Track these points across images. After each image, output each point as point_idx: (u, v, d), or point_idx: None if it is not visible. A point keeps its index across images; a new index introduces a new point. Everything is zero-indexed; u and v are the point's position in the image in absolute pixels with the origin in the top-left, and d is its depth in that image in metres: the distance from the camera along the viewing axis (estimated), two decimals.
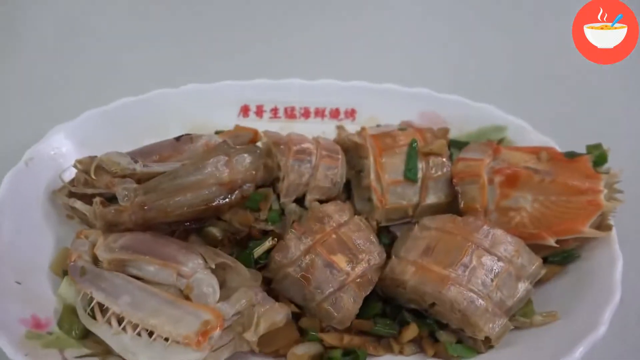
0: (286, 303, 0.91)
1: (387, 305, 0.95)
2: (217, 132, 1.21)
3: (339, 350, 0.86)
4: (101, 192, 0.97)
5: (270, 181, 1.08)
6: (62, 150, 1.10)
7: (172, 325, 0.80)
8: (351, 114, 1.26)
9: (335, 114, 1.26)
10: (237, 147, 1.05)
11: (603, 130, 1.28)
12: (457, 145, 1.20)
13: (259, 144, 1.16)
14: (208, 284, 0.85)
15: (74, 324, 0.87)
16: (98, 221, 0.95)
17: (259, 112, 1.25)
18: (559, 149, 1.11)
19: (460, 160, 1.06)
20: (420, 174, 1.04)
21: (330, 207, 0.96)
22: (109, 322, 0.84)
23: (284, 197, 1.04)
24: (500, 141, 1.19)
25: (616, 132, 1.33)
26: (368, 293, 0.90)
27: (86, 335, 0.87)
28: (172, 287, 0.87)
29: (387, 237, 1.05)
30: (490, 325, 0.85)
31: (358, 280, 0.89)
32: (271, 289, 0.94)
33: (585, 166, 1.02)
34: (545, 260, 0.98)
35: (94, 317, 0.86)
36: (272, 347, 0.87)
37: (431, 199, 1.04)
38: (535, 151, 1.08)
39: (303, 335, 0.89)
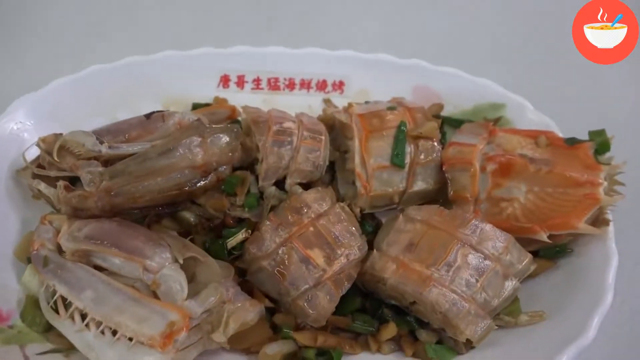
0: (260, 297, 0.87)
1: (366, 300, 0.90)
2: (194, 106, 1.13)
3: (313, 350, 0.82)
4: (66, 175, 0.91)
5: (249, 162, 1.02)
6: (27, 125, 1.03)
7: (136, 325, 0.76)
8: (339, 86, 1.17)
9: (322, 85, 1.17)
10: (213, 126, 0.98)
11: (609, 114, 1.19)
12: (450, 123, 1.13)
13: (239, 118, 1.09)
14: (175, 281, 0.80)
15: (37, 317, 0.84)
16: (62, 206, 0.90)
17: (240, 82, 1.16)
18: (559, 131, 1.04)
19: (451, 145, 0.99)
20: (408, 159, 0.97)
21: (309, 196, 0.90)
22: (72, 318, 0.80)
23: (263, 181, 0.98)
24: (497, 120, 1.11)
25: (623, 117, 1.23)
26: (345, 292, 0.85)
27: (50, 328, 0.83)
28: (138, 281, 0.82)
29: (371, 224, 1.00)
30: (473, 328, 0.81)
31: (335, 277, 0.84)
32: (245, 280, 0.89)
33: (586, 154, 0.95)
34: (535, 254, 0.93)
35: (57, 311, 0.82)
36: (244, 344, 0.83)
37: (419, 185, 0.97)
38: (534, 135, 1.00)
39: (277, 331, 0.85)
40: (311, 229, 0.87)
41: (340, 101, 1.16)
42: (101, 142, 0.92)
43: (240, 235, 0.87)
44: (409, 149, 0.97)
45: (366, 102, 1.07)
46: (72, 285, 0.81)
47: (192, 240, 0.96)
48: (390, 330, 0.85)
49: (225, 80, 1.16)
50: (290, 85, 1.17)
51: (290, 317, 0.86)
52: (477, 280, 0.83)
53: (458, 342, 0.84)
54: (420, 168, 0.97)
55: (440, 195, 0.99)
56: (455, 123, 1.12)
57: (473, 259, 0.84)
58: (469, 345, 0.84)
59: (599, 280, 0.86)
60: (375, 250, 0.89)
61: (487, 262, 0.84)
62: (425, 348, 0.84)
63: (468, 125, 1.04)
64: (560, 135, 1.03)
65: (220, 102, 1.14)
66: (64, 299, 0.81)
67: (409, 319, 0.87)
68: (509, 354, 0.83)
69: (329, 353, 0.82)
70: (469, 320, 0.81)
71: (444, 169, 0.97)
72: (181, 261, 0.82)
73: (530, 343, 0.84)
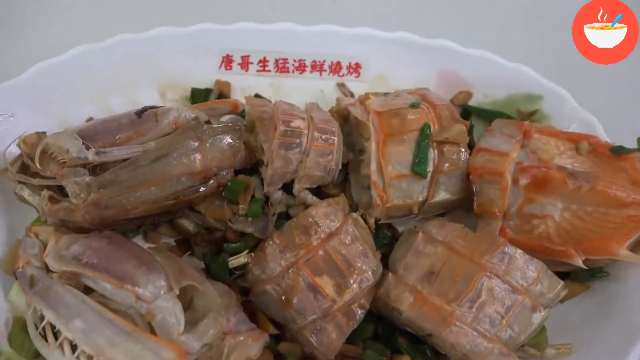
0: (264, 321, 0.81)
1: (379, 324, 0.84)
2: (193, 92, 1.02)
3: None
4: (50, 184, 0.83)
5: (254, 162, 0.92)
6: (7, 116, 0.93)
7: None
8: (355, 69, 1.04)
9: (336, 68, 1.04)
10: (212, 125, 0.88)
11: None
12: (479, 114, 1.01)
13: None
14: (171, 313, 0.73)
15: (26, 342, 0.78)
16: (48, 218, 0.82)
17: (244, 63, 1.04)
18: (604, 133, 0.92)
19: (480, 152, 0.87)
20: (431, 167, 0.86)
21: (319, 211, 0.81)
22: (61, 348, 0.74)
23: (268, 186, 0.88)
24: (532, 114, 0.99)
25: None
26: (356, 327, 0.78)
27: (39, 354, 0.78)
28: (132, 308, 0.76)
29: (387, 234, 0.92)
30: None
31: (346, 308, 0.77)
32: (249, 300, 0.83)
33: (634, 167, 0.84)
34: (567, 275, 0.85)
35: (45, 338, 0.76)
36: None
37: (441, 196, 0.87)
38: (575, 139, 0.89)
39: None
40: (320, 252, 0.78)
41: (356, 86, 1.04)
42: (87, 148, 0.82)
43: (242, 259, 0.79)
44: (433, 154, 0.87)
45: (385, 94, 0.95)
46: (61, 313, 0.75)
47: (191, 253, 0.90)
48: None
49: (227, 61, 1.03)
50: (301, 68, 1.04)
51: (297, 346, 0.79)
52: (502, 317, 0.75)
53: None
54: (444, 177, 0.87)
55: (464, 201, 0.90)
56: (484, 114, 1.01)
57: (499, 292, 0.76)
58: None
59: (635, 314, 0.78)
60: (390, 274, 0.81)
61: (514, 295, 0.76)
62: None
63: (500, 124, 0.92)
64: (605, 138, 0.91)
65: (222, 86, 1.02)
66: (52, 326, 0.76)
67: (425, 348, 0.80)
68: None
69: None
70: None
71: (470, 178, 0.87)
72: (177, 291, 0.74)
73: None
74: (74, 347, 0.74)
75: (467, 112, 1.02)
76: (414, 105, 0.89)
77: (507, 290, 0.76)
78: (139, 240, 0.91)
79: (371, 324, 0.83)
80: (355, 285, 0.78)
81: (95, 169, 0.84)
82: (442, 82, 1.03)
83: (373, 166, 0.86)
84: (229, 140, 0.87)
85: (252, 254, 0.79)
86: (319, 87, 1.04)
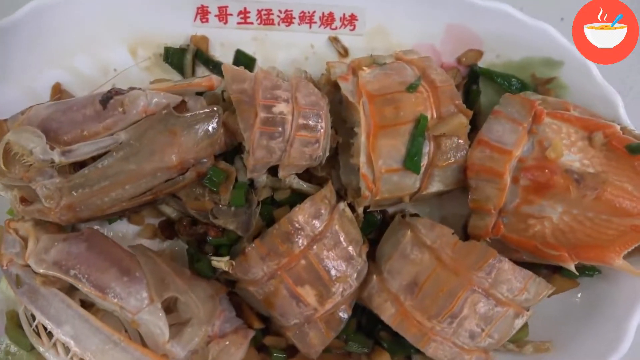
0: (250, 315, 0.83)
1: (363, 315, 0.85)
2: (166, 51, 0.91)
3: None
4: (19, 185, 0.78)
5: (236, 145, 0.85)
6: None
7: None
8: (350, 21, 0.90)
9: (328, 20, 0.90)
10: (185, 116, 0.80)
11: None
12: (489, 76, 0.90)
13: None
14: (155, 325, 0.75)
15: (21, 335, 0.81)
16: (24, 216, 0.80)
17: (222, 15, 0.90)
18: (624, 114, 0.82)
19: (481, 145, 0.79)
20: (425, 160, 0.79)
21: (302, 214, 0.77)
22: (55, 348, 0.78)
23: (251, 173, 0.83)
24: (550, 81, 0.87)
25: None
26: (337, 334, 0.79)
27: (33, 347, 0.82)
28: (118, 313, 0.77)
29: (377, 217, 0.88)
30: None
31: (327, 317, 0.78)
32: (234, 292, 0.83)
33: None
34: (557, 269, 0.83)
35: (39, 335, 0.79)
36: None
37: (435, 187, 0.82)
38: (589, 127, 0.79)
39: (268, 353, 0.83)
40: (302, 262, 0.76)
41: (351, 40, 0.91)
42: (52, 148, 0.76)
43: (224, 265, 0.78)
44: (428, 147, 0.79)
45: (382, 66, 0.84)
46: (50, 317, 0.77)
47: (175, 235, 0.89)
48: (384, 359, 0.81)
49: (203, 13, 0.90)
50: (287, 19, 0.90)
51: (281, 339, 0.82)
52: (482, 330, 0.75)
53: None
54: (439, 171, 0.80)
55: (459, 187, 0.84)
56: (495, 77, 0.89)
57: (482, 306, 0.75)
58: None
59: (620, 319, 0.78)
60: (375, 277, 0.80)
61: (498, 308, 0.75)
62: None
63: (508, 101, 0.82)
64: (626, 121, 0.81)
65: (198, 42, 0.91)
66: (44, 326, 0.78)
67: (405, 342, 0.82)
68: None
69: None
70: None
71: (467, 174, 0.80)
72: (159, 305, 0.75)
73: None
74: (67, 349, 0.77)
75: (475, 75, 0.90)
76: (411, 88, 0.79)
77: (491, 304, 0.75)
78: (123, 224, 0.89)
79: (354, 317, 0.84)
80: (337, 295, 0.77)
81: (65, 168, 0.79)
82: (450, 38, 0.89)
83: (362, 158, 0.80)
84: (206, 129, 0.80)
85: (233, 262, 0.77)
86: (308, 41, 0.92)
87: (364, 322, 0.85)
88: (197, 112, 0.80)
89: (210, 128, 0.80)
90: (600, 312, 0.81)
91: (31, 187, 0.77)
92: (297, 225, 0.77)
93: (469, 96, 0.90)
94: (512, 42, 0.87)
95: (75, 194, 0.76)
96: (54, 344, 0.78)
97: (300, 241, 0.77)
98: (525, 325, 0.82)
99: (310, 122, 0.80)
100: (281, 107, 0.80)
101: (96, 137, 0.78)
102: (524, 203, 0.78)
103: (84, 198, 0.77)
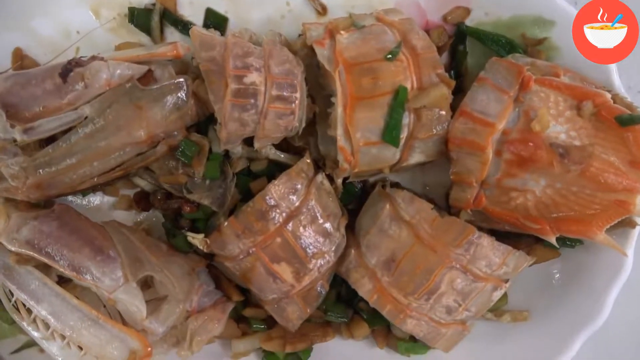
0: (229, 287, 0.82)
1: (343, 285, 0.85)
2: (131, 12, 0.85)
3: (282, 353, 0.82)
4: None
5: (207, 115, 0.81)
6: None
7: (99, 347, 0.75)
8: None
9: None
10: (150, 88, 0.75)
11: None
12: (476, 35, 0.85)
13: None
14: (131, 304, 0.75)
15: (1, 309, 0.82)
16: None
17: None
18: (618, 81, 0.78)
19: (463, 115, 0.75)
20: (405, 132, 0.76)
21: (277, 189, 0.75)
22: (35, 324, 0.78)
23: (225, 145, 0.80)
24: (540, 42, 0.82)
25: None
26: (315, 309, 0.79)
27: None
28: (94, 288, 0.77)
29: (357, 187, 0.86)
30: (447, 343, 0.78)
31: (304, 293, 0.77)
32: (213, 264, 0.83)
33: (637, 142, 0.73)
34: (539, 240, 0.82)
35: (19, 310, 0.79)
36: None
37: (415, 158, 0.79)
38: (579, 96, 0.75)
39: (248, 324, 0.83)
40: (278, 240, 0.75)
41: None
42: (12, 126, 0.72)
43: (198, 243, 0.76)
44: (408, 119, 0.75)
45: (361, 29, 0.78)
46: (28, 294, 0.77)
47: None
48: (363, 330, 0.83)
49: None
50: None
51: (261, 310, 0.82)
52: (460, 305, 0.75)
53: None
54: (420, 142, 0.77)
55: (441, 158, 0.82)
56: (483, 37, 0.84)
57: (460, 283, 0.74)
58: None
59: (599, 291, 0.78)
60: (353, 251, 0.79)
61: (475, 284, 0.75)
62: (398, 344, 0.82)
63: (494, 67, 0.77)
64: (620, 89, 0.77)
65: (165, 1, 0.84)
66: (23, 302, 0.78)
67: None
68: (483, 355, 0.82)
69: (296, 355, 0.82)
70: (445, 339, 0.77)
71: (448, 147, 0.77)
72: (134, 285, 0.74)
73: (508, 346, 0.82)
74: (46, 324, 0.78)
75: (462, 35, 0.85)
76: (390, 56, 0.74)
77: (469, 280, 0.74)
78: (97, 195, 0.87)
79: (334, 288, 0.84)
80: (314, 270, 0.77)
81: (29, 145, 0.75)
82: None
83: (339, 131, 0.76)
84: (174, 102, 0.76)
85: (208, 240, 0.76)
86: None
87: (344, 292, 0.85)
88: (164, 84, 0.76)
89: (178, 100, 0.76)
90: (579, 283, 0.80)
91: None
92: (272, 202, 0.75)
93: (455, 57, 0.85)
94: None
95: (41, 172, 0.74)
96: (34, 320, 0.78)
97: (276, 218, 0.75)
98: (504, 295, 0.82)
99: (284, 92, 0.76)
100: (253, 77, 0.75)
101: (59, 112, 0.75)
102: (507, 176, 0.76)
103: (51, 176, 0.75)
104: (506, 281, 0.77)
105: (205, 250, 0.76)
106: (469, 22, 0.84)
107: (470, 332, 0.80)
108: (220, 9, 0.85)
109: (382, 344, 0.84)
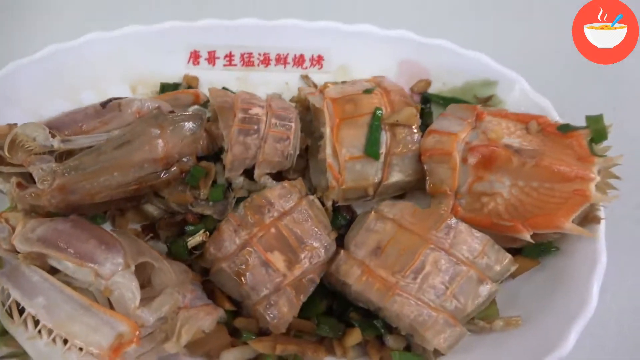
0: (222, 299, 0.84)
1: (334, 300, 0.86)
2: (162, 86, 1.06)
3: (273, 358, 0.79)
4: (19, 171, 0.87)
5: (216, 150, 0.95)
6: None
7: (86, 335, 0.74)
8: (318, 61, 1.08)
9: (299, 61, 1.08)
10: (174, 114, 0.92)
11: (613, 101, 1.05)
12: (438, 101, 1.04)
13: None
14: (127, 289, 0.76)
15: None
16: (18, 204, 0.87)
17: (211, 58, 1.08)
18: (556, 115, 0.94)
19: (431, 133, 0.90)
20: (383, 149, 0.89)
21: (273, 192, 0.84)
22: (25, 324, 0.78)
23: (229, 172, 0.92)
24: (488, 99, 1.02)
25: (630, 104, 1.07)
26: (306, 299, 0.81)
27: (7, 331, 0.81)
28: (92, 285, 0.79)
29: (345, 216, 0.94)
30: (441, 337, 0.76)
31: (296, 283, 0.80)
32: (208, 280, 0.86)
33: (580, 144, 0.86)
34: (518, 252, 0.87)
35: (11, 316, 0.80)
36: (203, 349, 0.80)
37: (395, 177, 0.90)
38: (525, 120, 0.91)
39: (239, 335, 0.82)
40: (272, 230, 0.81)
41: (319, 77, 1.08)
42: (53, 136, 0.87)
43: (199, 237, 0.83)
44: (385, 137, 0.90)
45: (343, 83, 0.99)
46: (25, 291, 0.79)
47: (155, 235, 0.93)
48: (355, 336, 0.81)
49: (195, 57, 1.08)
50: (265, 61, 1.08)
51: (252, 321, 0.82)
52: (447, 288, 0.77)
53: (427, 350, 0.79)
54: (397, 158, 0.90)
55: (420, 183, 0.92)
56: (443, 102, 1.03)
57: (444, 264, 0.78)
58: (438, 353, 0.79)
59: (582, 285, 0.80)
60: (342, 251, 0.83)
61: (459, 267, 0.78)
62: (391, 355, 0.80)
63: (453, 108, 0.95)
64: (557, 119, 0.93)
65: (190, 80, 1.07)
66: (17, 304, 0.79)
67: (376, 323, 0.82)
68: None
69: None
70: (437, 330, 0.76)
71: (422, 159, 0.89)
72: (133, 268, 0.78)
73: (504, 352, 0.79)
74: (36, 323, 0.77)
75: (426, 100, 1.05)
76: (367, 91, 0.93)
77: (452, 262, 0.78)
78: (107, 227, 0.94)
79: (325, 300, 0.85)
80: (305, 260, 0.81)
81: (61, 159, 0.88)
82: (403, 72, 1.06)
83: (328, 150, 0.90)
84: (191, 127, 0.91)
85: (207, 232, 0.82)
86: (283, 79, 1.08)
87: (336, 307, 0.86)
88: (185, 112, 0.92)
89: (194, 127, 0.91)
90: (563, 283, 0.82)
91: (29, 170, 0.85)
92: (268, 200, 0.83)
93: (422, 116, 1.03)
94: (454, 71, 1.04)
95: (67, 176, 0.84)
96: (24, 320, 0.78)
97: (271, 213, 0.82)
98: (493, 303, 0.83)
99: (281, 121, 0.92)
100: (257, 110, 0.92)
101: (93, 132, 0.89)
102: (476, 181, 0.86)
103: (75, 180, 0.84)
104: (494, 281, 0.80)
105: (205, 240, 0.81)
106: (431, 90, 1.05)
107: (465, 343, 0.79)
108: (233, 87, 1.07)
109: (375, 357, 0.81)
